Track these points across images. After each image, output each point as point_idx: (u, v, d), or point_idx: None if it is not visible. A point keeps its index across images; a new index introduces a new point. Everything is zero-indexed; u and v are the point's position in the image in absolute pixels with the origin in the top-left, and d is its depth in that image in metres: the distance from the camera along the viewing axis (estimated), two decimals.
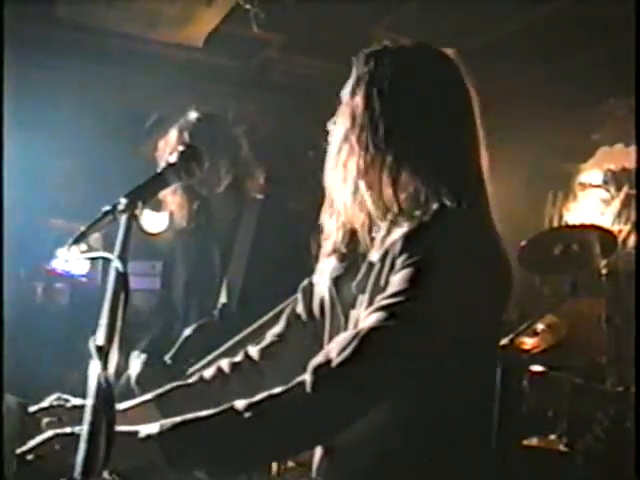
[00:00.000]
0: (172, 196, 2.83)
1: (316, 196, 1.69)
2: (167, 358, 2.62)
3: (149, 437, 1.31)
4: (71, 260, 1.33)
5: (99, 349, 0.96)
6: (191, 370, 2.38)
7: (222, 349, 2.39)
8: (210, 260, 2.88)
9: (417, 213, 1.46)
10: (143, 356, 2.80)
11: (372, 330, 1.35)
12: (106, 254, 1.19)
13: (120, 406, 1.63)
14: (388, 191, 1.49)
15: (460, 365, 1.44)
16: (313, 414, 1.35)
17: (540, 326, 4.19)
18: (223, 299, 2.77)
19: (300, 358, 1.60)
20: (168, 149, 2.70)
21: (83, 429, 0.89)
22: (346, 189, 1.55)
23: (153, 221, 7.05)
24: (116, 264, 1.13)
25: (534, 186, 5.30)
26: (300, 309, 1.80)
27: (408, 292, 1.37)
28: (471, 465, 1.51)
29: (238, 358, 1.80)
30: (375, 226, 1.57)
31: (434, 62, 1.60)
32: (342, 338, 1.39)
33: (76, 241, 1.40)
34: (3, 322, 1.78)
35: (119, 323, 1.03)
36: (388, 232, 1.51)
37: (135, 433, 1.32)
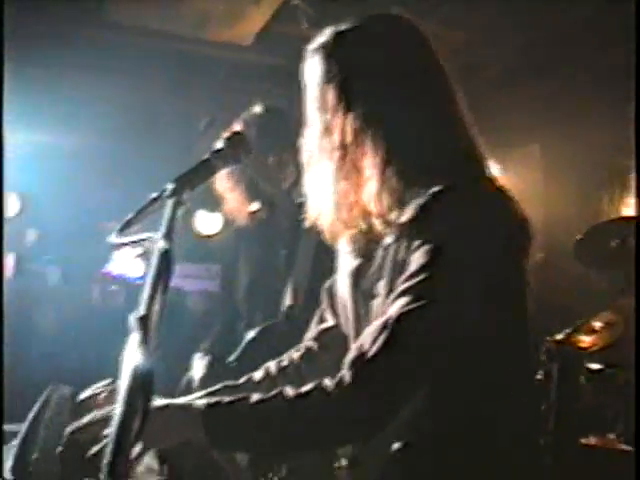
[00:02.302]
0: (233, 192, 2.82)
1: None
2: (231, 360, 2.60)
3: (194, 410, 1.32)
4: (113, 245, 1.33)
5: (140, 320, 0.96)
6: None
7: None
8: (274, 260, 2.84)
9: (422, 194, 1.43)
10: (207, 358, 2.79)
11: (400, 316, 1.34)
12: (151, 234, 1.19)
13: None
14: (391, 179, 1.46)
15: (491, 342, 1.41)
16: (356, 406, 1.34)
17: (598, 324, 4.10)
18: (288, 301, 2.74)
19: (334, 358, 1.59)
20: None
21: (118, 406, 0.88)
22: (342, 190, 1.53)
23: (207, 222, 7.14)
24: (160, 243, 1.13)
25: (591, 183, 5.20)
26: (326, 311, 1.81)
27: (428, 270, 1.35)
28: (507, 453, 1.47)
29: (284, 362, 1.81)
30: (382, 215, 1.52)
31: (399, 33, 1.56)
32: (372, 329, 1.37)
33: (123, 228, 1.41)
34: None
35: (159, 301, 1.03)
36: (398, 216, 1.47)
37: (181, 406, 1.33)
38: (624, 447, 3.52)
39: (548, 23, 4.63)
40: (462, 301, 1.35)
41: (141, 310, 1.00)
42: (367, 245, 1.55)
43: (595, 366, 3.87)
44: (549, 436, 3.48)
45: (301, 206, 2.76)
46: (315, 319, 1.84)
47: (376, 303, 1.50)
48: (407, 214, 1.43)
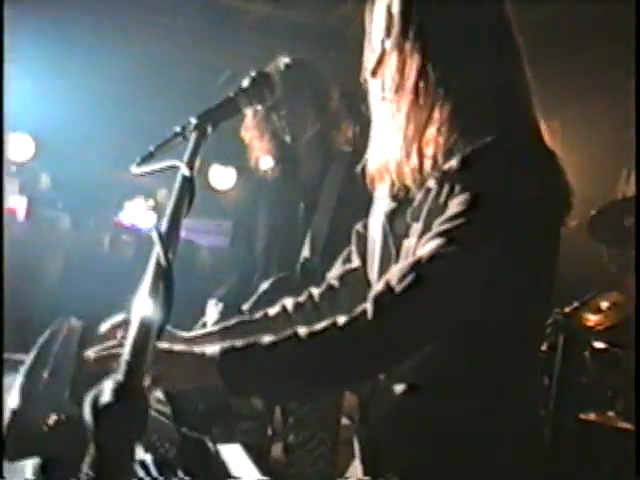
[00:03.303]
0: (259, 141, 2.82)
1: None
2: (244, 308, 2.61)
3: (209, 358, 1.31)
4: (136, 175, 1.33)
5: (160, 235, 0.96)
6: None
7: None
8: (294, 211, 2.84)
9: (472, 143, 1.41)
10: (220, 305, 2.81)
11: (433, 257, 1.33)
12: (174, 162, 1.19)
13: (184, 335, 1.65)
14: (440, 130, 1.44)
15: (515, 299, 1.40)
16: (374, 342, 1.34)
17: (604, 303, 4.11)
18: (306, 252, 2.75)
19: (354, 300, 1.60)
20: None
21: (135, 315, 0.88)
22: (395, 135, 1.50)
23: (221, 177, 7.14)
24: (183, 170, 1.13)
25: (607, 161, 5.16)
26: (354, 253, 1.80)
27: (466, 216, 1.34)
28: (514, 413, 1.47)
29: (302, 298, 1.80)
30: (435, 160, 1.49)
31: None
32: (402, 266, 1.37)
33: (144, 160, 1.41)
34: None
35: (181, 220, 1.04)
36: (445, 160, 1.45)
37: (195, 354, 1.33)
38: (622, 425, 3.54)
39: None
40: (494, 252, 1.34)
41: (162, 226, 1.00)
42: (407, 189, 1.53)
43: (599, 345, 3.88)
44: (549, 408, 3.51)
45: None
46: (341, 258, 1.83)
47: (407, 243, 1.48)
48: (454, 160, 1.42)
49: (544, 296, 1.52)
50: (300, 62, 2.80)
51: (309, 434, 2.71)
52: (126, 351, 0.85)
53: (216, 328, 1.71)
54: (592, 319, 4.08)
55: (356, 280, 1.75)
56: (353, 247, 1.80)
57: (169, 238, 0.99)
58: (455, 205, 1.37)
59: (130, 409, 0.78)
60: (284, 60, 2.75)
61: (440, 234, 1.35)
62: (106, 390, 0.79)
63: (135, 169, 1.39)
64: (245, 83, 1.55)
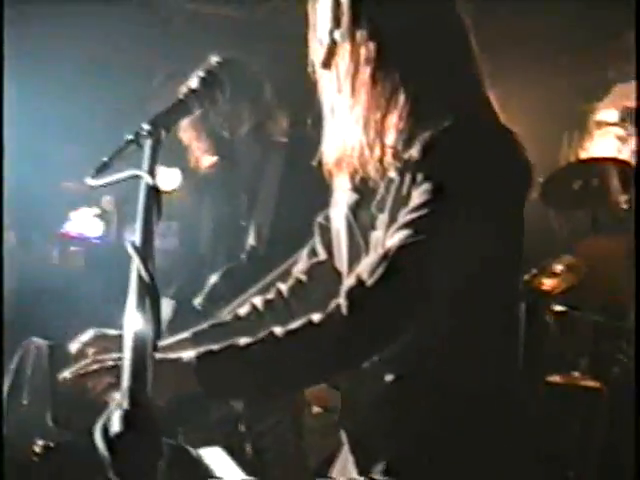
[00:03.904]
0: (197, 141, 2.85)
1: None
2: (196, 303, 2.62)
3: (185, 364, 1.30)
4: (93, 186, 1.30)
5: (136, 248, 0.95)
6: (225, 311, 2.40)
7: (252, 291, 2.39)
8: (237, 204, 2.88)
9: (430, 129, 1.42)
10: (172, 302, 2.81)
11: (401, 248, 1.34)
12: (135, 171, 1.16)
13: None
14: (401, 117, 1.45)
15: (486, 279, 1.42)
16: (351, 336, 1.34)
17: (559, 267, 4.18)
18: (252, 241, 2.77)
19: (323, 293, 1.60)
20: None
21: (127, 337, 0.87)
22: (355, 126, 1.50)
23: (165, 178, 7.05)
24: (147, 179, 1.11)
25: (549, 126, 5.24)
26: (319, 245, 1.79)
27: (431, 205, 1.35)
28: (495, 394, 1.49)
29: (270, 295, 1.79)
30: (395, 149, 1.50)
31: None
32: (371, 260, 1.37)
33: (99, 170, 1.38)
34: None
35: (154, 233, 1.02)
36: (404, 148, 1.46)
37: (171, 361, 1.32)
38: (587, 383, 3.61)
39: None
40: (462, 238, 1.35)
41: (137, 240, 0.98)
42: (367, 180, 1.53)
43: (559, 308, 3.95)
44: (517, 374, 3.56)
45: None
46: (306, 252, 1.83)
47: (375, 236, 1.49)
48: (413, 149, 1.43)
49: (514, 269, 1.54)
50: (230, 59, 2.81)
51: (273, 421, 2.73)
52: (125, 376, 0.84)
53: (188, 334, 1.69)
54: (548, 283, 4.14)
55: (324, 273, 1.75)
56: (317, 240, 1.80)
57: (146, 251, 0.97)
58: (419, 195, 1.37)
59: (143, 435, 0.76)
60: (214, 59, 2.76)
61: (406, 225, 1.35)
62: (114, 419, 0.78)
63: (91, 181, 1.36)
64: (194, 84, 1.53)
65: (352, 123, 1.50)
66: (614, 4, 4.59)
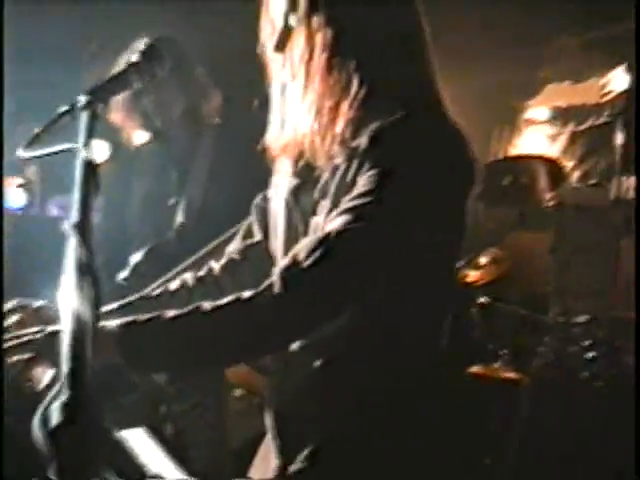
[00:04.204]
0: (130, 121, 2.84)
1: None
2: (120, 279, 2.58)
3: (107, 333, 1.27)
4: (26, 159, 1.26)
5: (75, 227, 0.91)
6: (149, 288, 2.37)
7: (178, 269, 2.36)
8: (166, 181, 2.86)
9: (380, 120, 1.42)
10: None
11: (341, 232, 1.34)
12: (71, 144, 1.12)
13: None
14: (352, 106, 1.44)
15: (422, 272, 1.44)
16: (282, 315, 1.34)
17: (484, 259, 4.25)
18: (180, 218, 2.75)
19: (256, 274, 1.59)
20: None
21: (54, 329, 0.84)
22: (307, 113, 1.49)
23: (94, 151, 6.90)
24: (83, 153, 1.07)
25: (479, 122, 5.31)
26: (255, 226, 1.78)
27: (375, 193, 1.35)
28: (419, 382, 1.51)
29: (202, 272, 1.78)
30: (342, 137, 1.49)
31: None
32: (310, 241, 1.37)
33: (30, 143, 1.33)
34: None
35: (92, 207, 0.98)
36: (353, 136, 1.46)
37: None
38: (508, 375, 3.69)
39: None
40: (403, 227, 1.36)
41: (74, 216, 0.95)
42: (311, 165, 1.53)
43: (482, 300, 4.02)
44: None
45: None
46: (241, 233, 1.82)
47: (315, 221, 1.49)
48: (362, 138, 1.42)
49: (450, 260, 1.56)
50: (161, 40, 2.75)
51: (195, 401, 2.71)
52: (65, 364, 0.81)
53: (115, 306, 1.66)
54: (472, 275, 4.21)
55: (258, 254, 1.74)
56: (254, 220, 1.78)
57: (84, 229, 0.93)
58: (363, 182, 1.38)
59: (84, 425, 0.73)
60: (145, 40, 2.71)
61: (348, 210, 1.36)
62: (54, 411, 0.74)
63: (23, 153, 1.31)
64: (135, 57, 1.48)
65: (304, 110, 1.49)
66: (550, 6, 4.68)
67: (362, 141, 1.42)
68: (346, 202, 1.38)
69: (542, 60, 5.05)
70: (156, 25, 2.77)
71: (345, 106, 1.44)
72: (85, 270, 0.86)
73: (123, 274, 2.60)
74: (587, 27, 4.87)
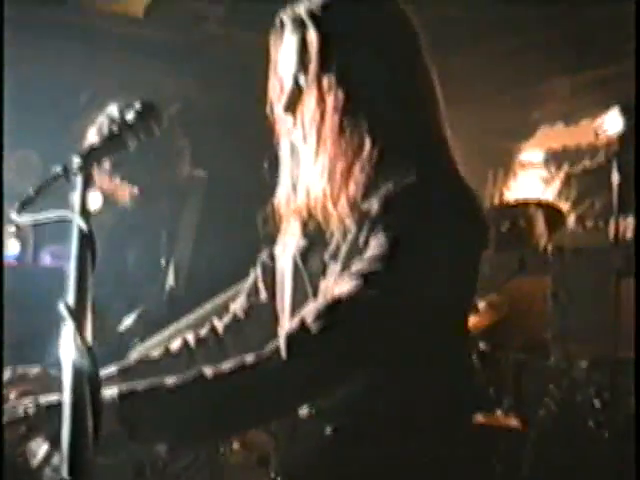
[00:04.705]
0: (114, 185, 2.79)
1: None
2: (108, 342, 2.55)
3: (107, 404, 1.21)
4: (18, 225, 1.22)
5: (70, 310, 0.87)
6: (136, 351, 2.34)
7: (166, 333, 2.35)
8: (156, 240, 2.80)
9: (392, 182, 1.39)
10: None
11: (350, 299, 1.30)
12: (67, 213, 1.09)
13: None
14: (364, 168, 1.41)
15: (434, 335, 1.40)
16: (287, 381, 1.30)
17: (481, 304, 4.21)
18: (171, 281, 2.71)
19: (260, 334, 1.55)
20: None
21: (64, 399, 0.80)
22: (320, 176, 1.46)
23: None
24: (79, 223, 1.03)
25: (474, 164, 5.31)
26: (260, 284, 1.74)
27: (387, 259, 1.32)
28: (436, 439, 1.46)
29: (203, 332, 1.73)
30: (354, 200, 1.45)
31: (396, 16, 1.51)
32: (318, 305, 1.34)
33: (24, 204, 1.29)
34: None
35: (89, 284, 0.94)
36: (364, 198, 1.43)
37: None
38: (510, 423, 3.63)
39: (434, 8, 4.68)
40: (413, 295, 1.33)
41: (70, 298, 0.90)
42: (321, 227, 1.50)
43: (482, 346, 3.97)
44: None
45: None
46: (246, 290, 1.78)
47: (325, 283, 1.46)
48: (374, 202, 1.39)
49: (460, 322, 1.53)
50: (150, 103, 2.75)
51: (190, 459, 2.66)
52: (64, 439, 0.76)
53: (114, 369, 1.61)
54: (472, 320, 4.17)
55: (263, 313, 1.70)
56: (259, 279, 1.75)
57: (81, 311, 0.89)
58: (375, 247, 1.35)
59: None
60: (136, 106, 2.71)
61: (359, 275, 1.32)
62: None
63: (16, 217, 1.27)
64: (130, 116, 1.46)
65: (316, 172, 1.46)
66: (541, 49, 4.72)
67: (374, 205, 1.39)
68: (356, 266, 1.34)
69: (535, 102, 5.08)
70: (146, 76, 2.79)
71: (357, 168, 1.41)
72: (82, 356, 0.81)
73: (114, 335, 2.57)
74: (578, 69, 4.91)
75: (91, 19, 4.81)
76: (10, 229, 7.35)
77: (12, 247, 6.90)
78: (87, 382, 0.80)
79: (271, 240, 1.72)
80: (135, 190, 2.82)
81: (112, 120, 2.60)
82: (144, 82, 5.23)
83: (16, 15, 4.55)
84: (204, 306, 2.49)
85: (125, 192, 2.81)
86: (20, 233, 7.03)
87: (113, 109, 2.66)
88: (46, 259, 6.13)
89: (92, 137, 2.64)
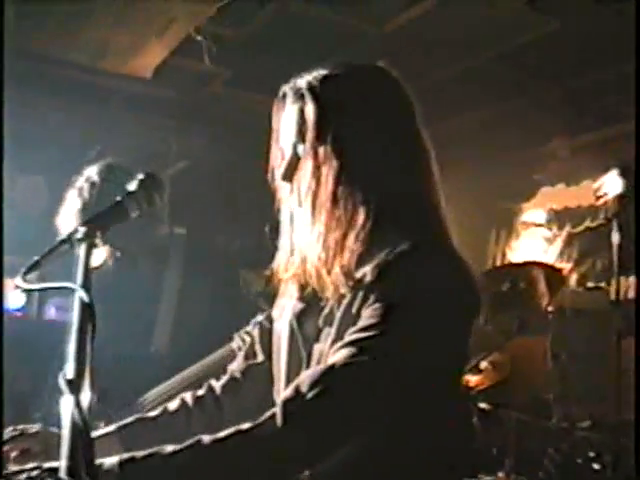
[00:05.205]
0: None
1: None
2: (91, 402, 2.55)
3: (107, 471, 1.23)
4: (24, 290, 1.25)
5: (70, 383, 0.90)
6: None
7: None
8: (140, 300, 2.78)
9: (386, 250, 1.42)
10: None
11: (344, 366, 1.32)
12: (69, 284, 1.13)
13: None
14: (358, 237, 1.44)
15: (428, 398, 1.42)
16: (283, 448, 1.31)
17: (484, 364, 4.20)
18: (154, 345, 2.71)
19: (257, 395, 1.56)
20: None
21: (51, 465, 0.82)
22: (315, 243, 1.49)
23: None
24: (80, 294, 1.07)
25: (477, 224, 5.37)
26: (257, 346, 1.77)
27: (380, 327, 1.34)
28: None
29: (201, 391, 1.75)
30: (348, 268, 1.48)
31: (392, 88, 1.56)
32: (313, 372, 1.35)
33: (29, 270, 1.33)
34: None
35: (88, 356, 0.97)
36: (358, 266, 1.46)
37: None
38: None
39: (437, 70, 4.77)
40: (408, 362, 1.35)
41: (69, 371, 0.93)
42: (314, 291, 1.52)
43: (483, 405, 3.96)
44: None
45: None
46: (243, 352, 1.80)
47: (318, 348, 1.48)
48: (368, 270, 1.42)
49: (453, 386, 1.55)
50: (111, 167, 2.73)
51: None
52: None
53: (114, 427, 1.63)
54: (472, 380, 4.16)
55: (259, 374, 1.72)
56: (257, 341, 1.77)
57: (79, 384, 0.92)
58: (368, 315, 1.37)
59: None
60: (139, 176, 2.71)
61: (352, 343, 1.34)
62: None
63: (21, 283, 1.31)
64: (132, 186, 1.50)
65: (311, 239, 1.49)
66: (541, 111, 4.79)
67: (367, 273, 1.42)
68: (350, 335, 1.37)
69: (536, 163, 5.14)
70: (153, 134, 2.81)
71: (351, 238, 1.44)
72: (78, 434, 0.84)
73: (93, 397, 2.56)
74: (579, 130, 4.98)
75: (99, 78, 4.89)
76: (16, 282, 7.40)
77: (17, 299, 6.94)
78: (82, 449, 0.82)
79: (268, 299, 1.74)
80: (116, 252, 2.78)
81: (92, 184, 2.66)
82: (150, 139, 5.33)
83: (24, 70, 4.67)
84: (190, 368, 2.52)
85: (106, 253, 2.79)
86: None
87: (92, 173, 2.70)
88: (50, 312, 6.13)
89: (72, 200, 2.67)
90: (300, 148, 1.51)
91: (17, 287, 1.28)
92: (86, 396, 0.90)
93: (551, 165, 5.04)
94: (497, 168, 5.21)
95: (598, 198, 4.02)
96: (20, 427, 1.59)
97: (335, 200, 1.45)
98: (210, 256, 2.81)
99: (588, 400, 3.98)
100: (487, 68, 4.68)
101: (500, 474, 3.70)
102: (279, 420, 1.29)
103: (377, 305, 1.37)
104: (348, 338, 1.36)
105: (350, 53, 4.42)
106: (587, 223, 4.76)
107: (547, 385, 3.96)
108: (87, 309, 1.04)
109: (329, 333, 1.45)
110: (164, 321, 2.71)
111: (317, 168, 1.47)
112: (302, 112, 1.50)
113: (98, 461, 1.25)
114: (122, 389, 2.47)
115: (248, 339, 2.42)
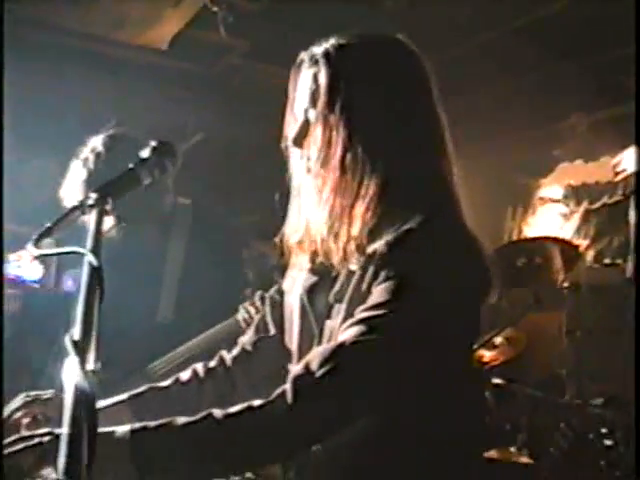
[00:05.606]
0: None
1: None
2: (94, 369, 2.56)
3: (118, 439, 1.24)
4: (38, 258, 1.26)
5: (75, 344, 0.90)
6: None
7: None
8: (144, 271, 2.77)
9: (396, 226, 1.42)
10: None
11: (354, 344, 1.32)
12: (78, 248, 1.13)
13: None
14: (368, 208, 1.43)
15: (438, 375, 1.41)
16: (293, 425, 1.31)
17: (499, 339, 4.19)
18: (161, 312, 2.71)
19: (268, 368, 1.57)
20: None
21: (62, 431, 0.83)
22: (321, 210, 1.48)
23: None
24: (89, 258, 1.07)
25: (494, 200, 5.34)
26: (269, 319, 1.77)
27: (390, 305, 1.34)
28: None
29: (213, 362, 1.76)
30: (360, 241, 1.47)
31: (408, 60, 1.54)
32: (323, 349, 1.35)
33: (41, 237, 1.33)
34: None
35: (95, 319, 0.98)
36: (369, 241, 1.45)
37: (104, 434, 1.26)
38: (523, 460, 3.61)
39: (455, 46, 4.72)
40: (417, 341, 1.34)
41: (75, 333, 0.94)
42: (326, 265, 1.52)
43: (497, 381, 3.96)
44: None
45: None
46: (254, 325, 1.80)
47: (329, 325, 1.48)
48: (379, 246, 1.41)
49: (464, 364, 1.55)
50: (115, 136, 2.70)
51: None
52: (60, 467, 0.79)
53: (125, 396, 1.64)
54: (487, 355, 4.16)
55: (271, 347, 1.73)
56: (268, 314, 1.77)
57: (86, 345, 0.92)
58: (379, 292, 1.37)
59: None
60: (152, 143, 2.69)
61: (362, 321, 1.34)
62: None
63: (32, 249, 1.31)
64: (145, 153, 1.50)
65: (320, 205, 1.48)
66: (560, 87, 4.74)
67: (378, 249, 1.41)
68: (360, 312, 1.36)
69: (554, 139, 5.10)
70: (168, 106, 2.78)
71: (360, 207, 1.43)
72: (81, 396, 0.84)
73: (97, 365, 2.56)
74: (597, 106, 4.92)
75: (115, 49, 4.88)
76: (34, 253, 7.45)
77: (35, 271, 7.00)
78: (85, 412, 0.82)
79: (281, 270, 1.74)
80: (122, 222, 2.76)
81: (97, 155, 2.64)
82: (167, 111, 5.31)
83: (40, 41, 4.66)
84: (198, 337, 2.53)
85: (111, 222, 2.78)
86: (44, 259, 7.12)
87: (97, 144, 2.69)
88: (68, 284, 6.18)
89: (77, 170, 2.66)
90: (312, 113, 1.50)
91: (29, 253, 1.29)
92: (91, 358, 0.90)
93: (569, 141, 5.00)
94: (515, 144, 5.18)
95: (616, 174, 3.99)
96: (33, 393, 1.60)
97: (343, 168, 1.44)
98: (217, 228, 2.79)
99: (602, 377, 3.97)
100: (504, 44, 4.63)
101: (512, 449, 3.71)
102: (289, 397, 1.30)
103: (387, 282, 1.36)
104: (358, 316, 1.36)
105: (368, 25, 4.37)
106: (605, 199, 4.72)
107: (561, 361, 3.95)
108: (96, 273, 1.04)
109: (340, 310, 1.45)
110: (169, 290, 2.70)
111: (327, 134, 1.46)
112: (316, 77, 1.49)
113: (110, 429, 1.27)
114: (127, 358, 2.48)
115: (253, 310, 2.43)
